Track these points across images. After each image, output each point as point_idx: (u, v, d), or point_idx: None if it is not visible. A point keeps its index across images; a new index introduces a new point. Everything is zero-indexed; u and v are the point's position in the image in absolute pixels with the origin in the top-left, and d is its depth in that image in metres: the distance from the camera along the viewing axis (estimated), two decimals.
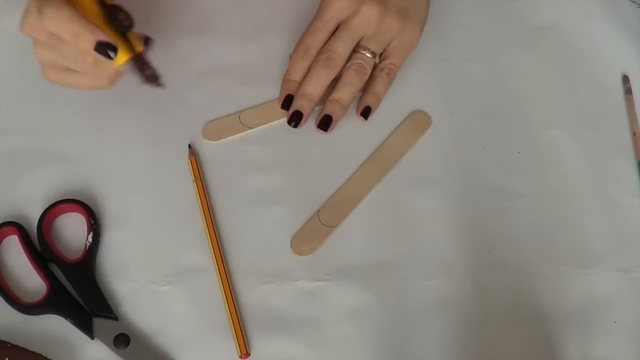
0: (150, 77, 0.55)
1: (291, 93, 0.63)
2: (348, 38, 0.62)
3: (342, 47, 0.62)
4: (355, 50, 0.62)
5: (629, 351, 0.57)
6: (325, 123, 0.63)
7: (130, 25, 0.55)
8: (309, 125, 0.64)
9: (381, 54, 0.64)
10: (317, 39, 0.62)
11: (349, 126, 0.65)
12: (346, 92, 0.62)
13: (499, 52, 0.69)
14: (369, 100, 0.64)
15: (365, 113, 0.64)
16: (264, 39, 0.68)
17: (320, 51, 0.62)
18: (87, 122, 0.63)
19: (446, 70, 0.68)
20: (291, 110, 0.63)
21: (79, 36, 0.53)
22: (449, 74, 0.68)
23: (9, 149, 0.62)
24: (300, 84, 0.63)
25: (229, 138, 0.63)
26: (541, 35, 0.71)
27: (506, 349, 0.56)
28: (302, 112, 0.63)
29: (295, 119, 0.63)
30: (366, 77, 0.63)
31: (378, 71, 0.64)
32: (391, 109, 0.66)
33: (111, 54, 0.54)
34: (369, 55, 0.62)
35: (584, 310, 0.58)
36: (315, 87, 0.62)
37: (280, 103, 0.63)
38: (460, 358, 0.56)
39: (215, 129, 0.63)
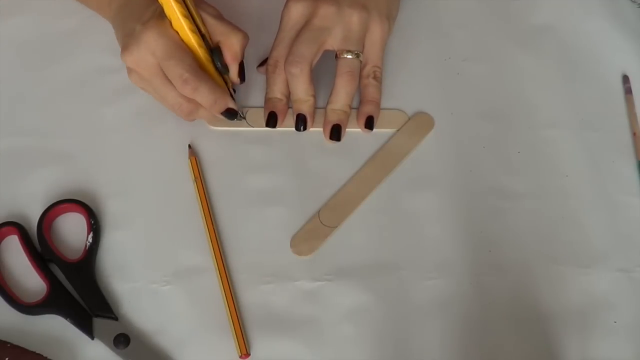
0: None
1: (273, 110, 0.63)
2: (308, 38, 0.61)
3: (303, 47, 0.60)
4: (337, 56, 0.62)
5: (629, 351, 0.57)
6: (336, 132, 0.63)
7: (228, 70, 0.60)
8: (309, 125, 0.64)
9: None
10: (281, 51, 0.62)
11: (349, 126, 0.64)
12: (343, 99, 0.62)
13: (499, 52, 0.69)
14: (369, 110, 0.63)
15: (369, 123, 0.63)
16: (265, 39, 0.68)
17: (286, 60, 0.61)
18: (87, 122, 0.63)
19: (446, 70, 0.68)
20: (295, 117, 0.63)
21: (196, 91, 0.57)
22: (449, 74, 0.68)
23: (9, 149, 0.62)
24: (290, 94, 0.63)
25: (231, 130, 0.63)
26: (541, 35, 0.71)
27: (506, 349, 0.56)
28: (304, 114, 0.63)
29: (300, 123, 0.63)
30: (357, 80, 0.62)
31: (365, 79, 0.63)
32: (392, 109, 0.66)
33: (233, 117, 0.60)
34: (351, 57, 0.61)
35: (584, 310, 0.58)
36: (300, 90, 0.62)
37: (265, 121, 0.63)
38: (459, 358, 0.56)
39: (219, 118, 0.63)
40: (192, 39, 0.57)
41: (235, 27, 0.59)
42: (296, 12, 0.62)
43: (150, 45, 0.56)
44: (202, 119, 0.63)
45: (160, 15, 0.57)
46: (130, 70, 0.59)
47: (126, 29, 0.58)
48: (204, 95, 0.57)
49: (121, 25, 0.60)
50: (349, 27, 0.61)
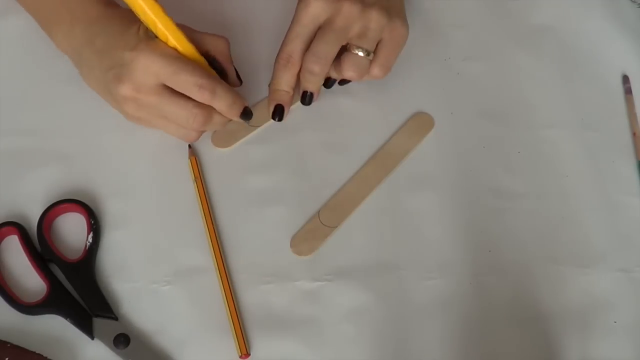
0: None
1: (281, 102, 0.62)
2: (333, 38, 0.59)
3: (327, 48, 0.59)
4: (348, 49, 0.60)
5: (629, 351, 0.57)
6: (309, 99, 0.63)
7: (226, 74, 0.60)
8: (309, 125, 0.64)
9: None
10: (297, 46, 0.60)
11: (349, 126, 0.65)
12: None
13: (499, 52, 0.69)
14: (334, 75, 0.62)
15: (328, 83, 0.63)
16: (260, 37, 0.68)
17: (306, 57, 0.60)
18: (87, 122, 0.63)
19: (446, 70, 0.68)
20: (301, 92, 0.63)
21: (215, 94, 0.56)
22: (449, 74, 0.68)
23: (9, 149, 0.62)
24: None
25: (231, 130, 0.63)
26: (541, 35, 0.71)
27: (506, 349, 0.56)
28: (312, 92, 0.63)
29: (307, 100, 0.63)
30: (361, 78, 0.61)
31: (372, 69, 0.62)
32: (391, 109, 0.66)
33: (250, 117, 0.59)
34: (362, 54, 0.60)
35: (584, 310, 0.58)
36: (313, 87, 0.62)
37: (271, 113, 0.63)
38: (459, 358, 0.56)
39: (224, 135, 0.63)
40: (192, 48, 0.57)
41: (216, 34, 0.59)
42: (317, 8, 0.59)
43: (151, 67, 0.55)
44: (210, 131, 0.62)
45: (148, 36, 0.56)
46: (125, 101, 0.57)
47: (109, 61, 0.57)
48: (222, 96, 0.56)
49: (97, 60, 0.58)
50: (368, 25, 0.60)
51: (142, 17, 0.55)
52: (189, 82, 0.55)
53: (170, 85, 0.56)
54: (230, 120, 0.60)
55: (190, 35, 0.57)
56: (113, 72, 0.56)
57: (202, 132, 0.61)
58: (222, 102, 0.57)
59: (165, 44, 0.56)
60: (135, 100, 0.57)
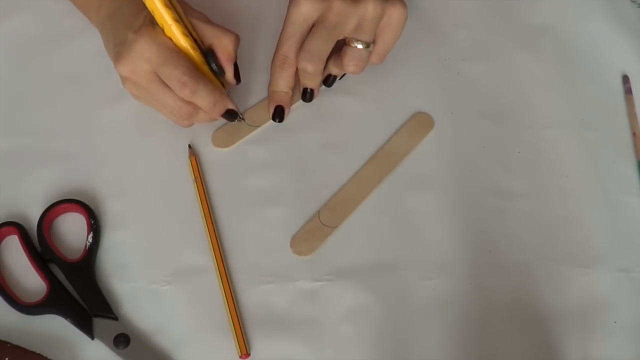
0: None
1: (280, 104, 0.63)
2: (324, 36, 0.59)
3: (320, 45, 0.60)
4: (347, 43, 0.61)
5: (629, 351, 0.57)
6: (310, 95, 0.64)
7: (223, 73, 0.60)
8: (309, 125, 0.64)
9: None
10: (291, 46, 0.60)
11: (348, 126, 0.65)
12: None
13: (499, 52, 0.69)
14: (334, 71, 0.64)
15: (329, 82, 0.64)
16: (257, 36, 0.68)
17: (300, 55, 0.60)
18: (87, 122, 0.63)
19: (446, 70, 0.68)
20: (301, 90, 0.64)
21: (195, 94, 0.57)
22: (449, 74, 0.68)
23: (9, 149, 0.62)
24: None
25: (231, 130, 0.63)
26: (541, 35, 0.71)
27: (506, 349, 0.56)
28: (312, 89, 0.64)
29: (307, 97, 0.64)
30: (363, 70, 0.62)
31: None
32: (391, 109, 0.66)
33: (234, 118, 0.60)
34: (360, 46, 0.60)
35: (584, 310, 0.58)
36: (310, 85, 0.62)
37: (271, 115, 0.63)
38: (459, 358, 0.56)
39: (224, 135, 0.63)
40: (185, 43, 0.57)
41: (226, 29, 0.59)
42: (307, 7, 0.59)
43: (145, 52, 0.56)
44: (201, 123, 0.62)
45: (152, 22, 0.56)
46: (124, 79, 0.58)
47: (118, 38, 0.58)
48: (203, 97, 0.57)
49: (112, 34, 0.59)
50: (364, 17, 0.59)
51: (145, 3, 0.56)
52: (172, 76, 0.56)
53: (159, 75, 0.57)
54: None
55: (196, 26, 0.58)
56: (116, 50, 0.57)
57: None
58: (204, 102, 0.58)
59: (163, 33, 0.57)
60: (131, 80, 0.58)
